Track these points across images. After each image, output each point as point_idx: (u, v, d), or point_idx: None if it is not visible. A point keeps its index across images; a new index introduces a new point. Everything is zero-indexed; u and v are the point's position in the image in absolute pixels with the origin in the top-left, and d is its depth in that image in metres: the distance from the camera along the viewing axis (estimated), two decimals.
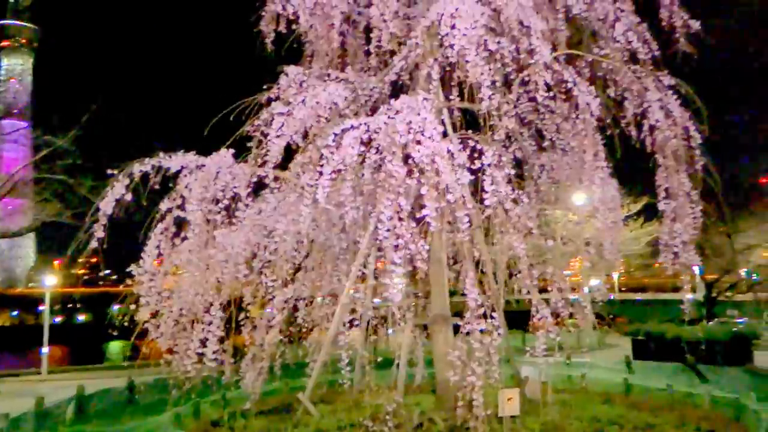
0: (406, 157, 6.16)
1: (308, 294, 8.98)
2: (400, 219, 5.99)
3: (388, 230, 5.98)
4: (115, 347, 29.15)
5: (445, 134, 6.45)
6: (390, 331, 9.37)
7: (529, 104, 8.43)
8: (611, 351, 20.45)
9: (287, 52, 8.92)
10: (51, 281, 25.52)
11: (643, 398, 9.78)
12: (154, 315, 7.02)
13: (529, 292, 7.03)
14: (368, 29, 9.17)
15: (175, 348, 7.21)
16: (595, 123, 7.63)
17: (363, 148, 6.19)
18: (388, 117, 6.29)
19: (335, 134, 6.09)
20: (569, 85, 7.61)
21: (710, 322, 25.30)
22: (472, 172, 6.53)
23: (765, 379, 12.10)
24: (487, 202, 6.29)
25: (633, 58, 8.11)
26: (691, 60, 7.89)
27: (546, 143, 8.47)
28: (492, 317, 6.45)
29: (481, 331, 6.41)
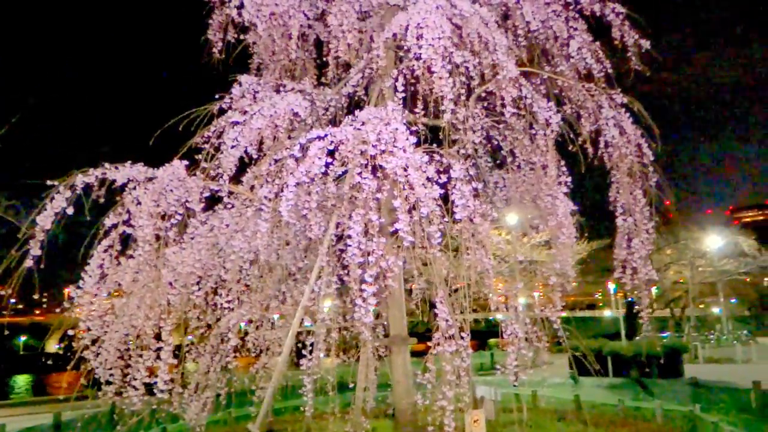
0: (374, 170, 5.91)
1: (258, 316, 8.50)
2: (371, 234, 5.72)
3: (355, 246, 5.69)
4: (20, 381, 27.18)
5: (417, 145, 6.23)
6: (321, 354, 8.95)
7: (487, 120, 8.39)
8: (548, 368, 20.75)
9: (233, 63, 8.54)
10: None
11: (595, 414, 9.83)
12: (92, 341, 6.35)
13: (497, 309, 6.86)
14: (318, 43, 8.95)
15: (113, 378, 6.56)
16: (554, 138, 7.69)
17: (329, 160, 5.88)
18: (354, 128, 6.02)
19: (301, 144, 5.74)
20: (528, 101, 7.65)
21: (638, 338, 26.34)
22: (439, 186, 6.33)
23: (704, 390, 12.50)
24: (457, 216, 6.08)
25: (586, 76, 8.23)
26: (643, 78, 8.06)
27: (502, 160, 8.45)
28: (462, 337, 6.22)
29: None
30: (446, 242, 6.33)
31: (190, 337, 7.57)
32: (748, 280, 40.94)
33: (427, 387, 6.63)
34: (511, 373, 6.70)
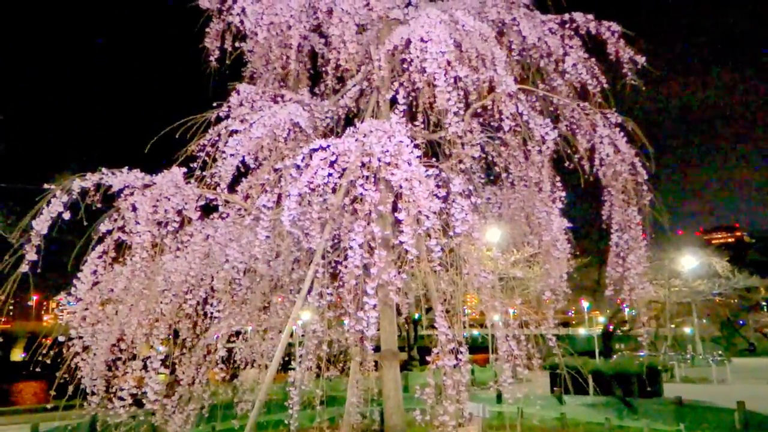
0: (376, 182, 5.87)
1: (246, 328, 8.36)
2: (372, 247, 5.66)
3: (356, 258, 5.63)
4: None
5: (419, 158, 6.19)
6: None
7: (482, 135, 8.41)
8: (527, 385, 20.70)
9: (227, 72, 8.47)
10: None
11: None
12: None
13: (492, 325, 6.83)
14: (313, 55, 8.92)
15: (98, 389, 6.38)
16: (549, 155, 7.73)
17: (330, 171, 5.82)
18: (356, 140, 5.98)
19: (303, 155, 5.68)
20: (524, 117, 7.68)
21: (614, 356, 26.56)
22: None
23: (688, 410, 12.59)
24: (457, 230, 6.06)
25: (581, 94, 8.31)
26: (639, 94, 8.16)
27: (497, 176, 8.47)
28: (460, 352, 6.17)
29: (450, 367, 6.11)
30: (445, 256, 6.30)
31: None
32: (718, 300, 41.66)
33: (426, 402, 6.54)
34: (504, 390, 6.65)
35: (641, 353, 29.09)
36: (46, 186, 5.68)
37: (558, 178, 7.77)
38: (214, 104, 7.20)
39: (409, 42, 6.69)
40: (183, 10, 8.33)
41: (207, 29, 8.14)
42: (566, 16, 8.32)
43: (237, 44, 8.34)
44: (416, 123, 7.27)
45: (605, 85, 8.06)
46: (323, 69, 7.80)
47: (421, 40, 6.47)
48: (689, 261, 34.15)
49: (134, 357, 6.05)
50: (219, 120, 7.21)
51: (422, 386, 6.21)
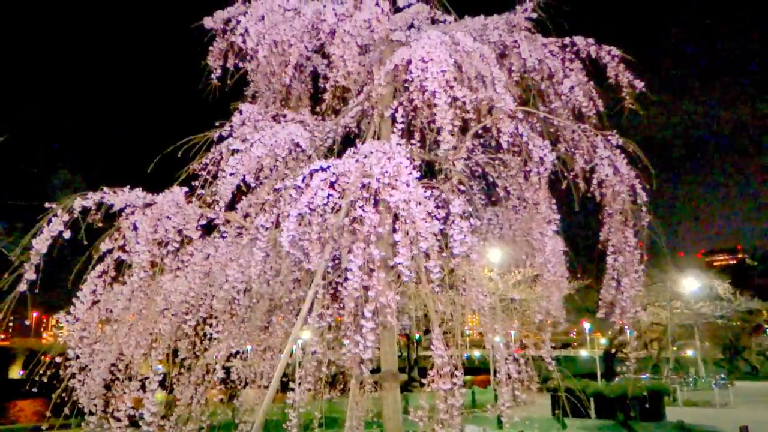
0: (375, 203, 5.89)
1: (245, 348, 8.32)
2: (369, 268, 5.66)
3: (356, 279, 5.63)
4: None
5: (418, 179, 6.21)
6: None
7: (482, 156, 8.45)
8: (527, 408, 20.55)
9: (228, 91, 8.55)
10: None
11: None
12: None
13: (492, 348, 6.79)
14: (314, 75, 9.00)
15: (96, 409, 6.33)
16: (547, 176, 7.75)
17: (330, 192, 5.84)
18: (356, 160, 6.01)
19: (304, 175, 5.71)
20: (524, 138, 7.72)
21: (617, 379, 26.32)
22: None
23: None
24: (456, 252, 6.05)
25: (581, 116, 8.35)
26: (639, 116, 8.20)
27: (497, 197, 8.48)
28: (455, 375, 6.13)
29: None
30: (445, 277, 6.29)
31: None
32: (720, 323, 41.44)
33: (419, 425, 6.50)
34: (504, 413, 6.60)
35: (643, 376, 28.90)
36: (47, 204, 5.70)
37: (554, 200, 7.77)
38: (216, 123, 7.26)
39: (410, 62, 6.76)
40: (186, 30, 8.44)
41: (210, 48, 8.24)
42: (567, 40, 8.39)
43: (239, 63, 8.44)
44: (413, 141, 7.32)
45: (601, 109, 8.11)
46: (324, 89, 7.86)
47: (422, 60, 6.53)
48: (691, 283, 34.01)
49: (132, 377, 6.02)
50: (221, 139, 7.26)
51: (415, 409, 6.17)
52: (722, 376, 32.14)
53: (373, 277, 5.53)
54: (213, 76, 8.17)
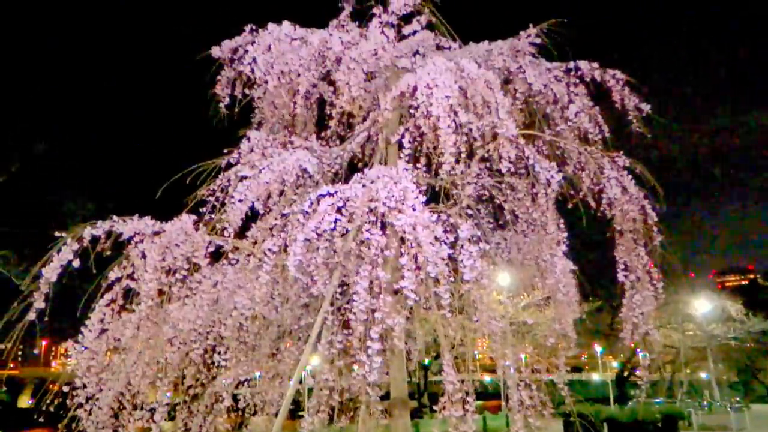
0: (382, 227, 5.90)
1: (253, 375, 8.28)
2: (378, 292, 5.66)
3: (362, 303, 5.63)
4: None
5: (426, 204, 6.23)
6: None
7: (489, 180, 8.47)
8: None
9: (237, 118, 8.64)
10: None
11: None
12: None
13: (504, 372, 6.73)
14: (321, 102, 9.09)
15: None
16: (554, 198, 7.75)
17: (337, 216, 5.87)
18: (363, 185, 6.04)
19: (311, 200, 5.74)
20: (530, 161, 7.74)
21: (630, 403, 25.93)
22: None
23: None
24: (466, 277, 6.03)
25: (587, 139, 8.37)
26: (644, 140, 8.21)
27: (504, 221, 8.47)
28: (467, 401, 6.07)
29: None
30: (454, 302, 6.26)
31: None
32: (734, 345, 40.87)
33: None
34: None
35: (657, 400, 28.46)
36: (57, 233, 5.75)
37: (562, 221, 7.77)
38: (225, 150, 7.33)
39: (415, 88, 6.82)
40: (194, 59, 8.57)
41: (218, 77, 8.35)
42: (571, 64, 8.46)
43: (247, 91, 8.54)
44: (419, 166, 7.35)
45: (607, 134, 8.13)
46: (331, 116, 7.94)
47: (427, 86, 6.60)
48: (703, 304, 33.66)
49: (137, 407, 6.00)
50: (229, 166, 7.32)
51: None
52: (737, 399, 31.59)
53: (380, 300, 5.52)
54: (221, 104, 8.27)
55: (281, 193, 6.98)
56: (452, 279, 6.11)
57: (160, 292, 6.15)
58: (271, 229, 6.61)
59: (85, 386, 5.87)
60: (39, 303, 5.51)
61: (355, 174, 6.43)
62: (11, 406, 55.20)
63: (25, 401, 59.22)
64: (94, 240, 5.94)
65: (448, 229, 6.57)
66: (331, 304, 6.74)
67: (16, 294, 5.85)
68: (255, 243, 7.27)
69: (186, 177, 7.02)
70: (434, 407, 6.18)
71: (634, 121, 8.15)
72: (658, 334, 7.93)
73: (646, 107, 8.15)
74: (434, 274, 5.63)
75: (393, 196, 5.73)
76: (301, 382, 7.42)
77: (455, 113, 6.76)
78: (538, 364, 7.54)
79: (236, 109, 8.55)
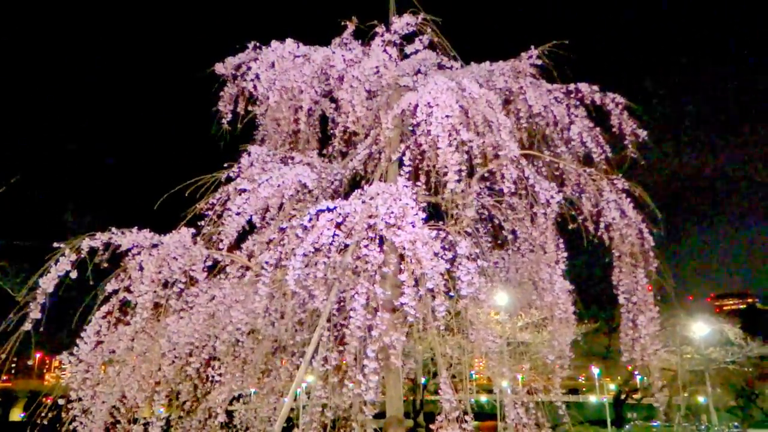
0: (380, 243, 5.90)
1: (247, 391, 8.22)
2: (375, 308, 5.64)
3: (358, 319, 5.61)
4: None
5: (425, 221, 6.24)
6: None
7: (488, 199, 8.49)
8: None
9: (236, 135, 8.68)
10: None
11: None
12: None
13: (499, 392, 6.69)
14: (323, 119, 9.14)
15: None
16: (554, 218, 7.76)
17: (336, 232, 5.87)
18: (363, 201, 6.05)
19: (310, 215, 5.74)
20: (530, 181, 7.76)
21: (627, 426, 25.74)
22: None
23: None
24: (463, 292, 6.02)
25: (586, 161, 8.41)
26: (638, 165, 8.26)
27: (503, 240, 8.48)
28: (465, 421, 6.03)
29: None
30: (451, 320, 6.25)
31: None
32: (732, 369, 40.64)
33: None
34: None
35: (654, 423, 28.25)
36: (56, 244, 5.74)
37: (561, 240, 7.78)
38: (225, 165, 7.36)
39: (416, 107, 6.86)
40: (198, 75, 8.62)
41: (221, 93, 8.40)
42: (572, 86, 8.52)
43: (249, 107, 8.59)
44: (419, 184, 7.38)
45: (609, 155, 8.17)
46: (332, 132, 7.98)
47: (428, 105, 6.63)
48: (701, 328, 33.56)
49: (131, 421, 5.95)
50: (229, 180, 7.34)
51: None
52: (735, 424, 31.33)
53: (377, 316, 5.50)
54: (223, 120, 8.31)
55: (280, 207, 6.99)
56: (450, 294, 6.11)
57: (157, 305, 6.13)
58: (268, 243, 6.61)
59: (80, 399, 5.83)
60: (35, 313, 5.48)
61: (355, 190, 6.45)
62: (3, 420, 54.61)
63: (17, 414, 58.56)
64: (92, 251, 5.93)
65: (446, 246, 6.58)
66: (328, 320, 6.72)
67: (13, 306, 5.82)
68: (250, 257, 7.27)
69: (185, 190, 7.02)
70: (431, 426, 6.11)
71: (629, 147, 8.20)
72: (656, 358, 7.89)
73: (642, 133, 8.21)
74: (432, 287, 5.62)
75: (392, 212, 5.73)
76: (295, 399, 7.35)
77: (456, 132, 6.81)
78: (535, 384, 7.49)
79: (239, 125, 8.62)
